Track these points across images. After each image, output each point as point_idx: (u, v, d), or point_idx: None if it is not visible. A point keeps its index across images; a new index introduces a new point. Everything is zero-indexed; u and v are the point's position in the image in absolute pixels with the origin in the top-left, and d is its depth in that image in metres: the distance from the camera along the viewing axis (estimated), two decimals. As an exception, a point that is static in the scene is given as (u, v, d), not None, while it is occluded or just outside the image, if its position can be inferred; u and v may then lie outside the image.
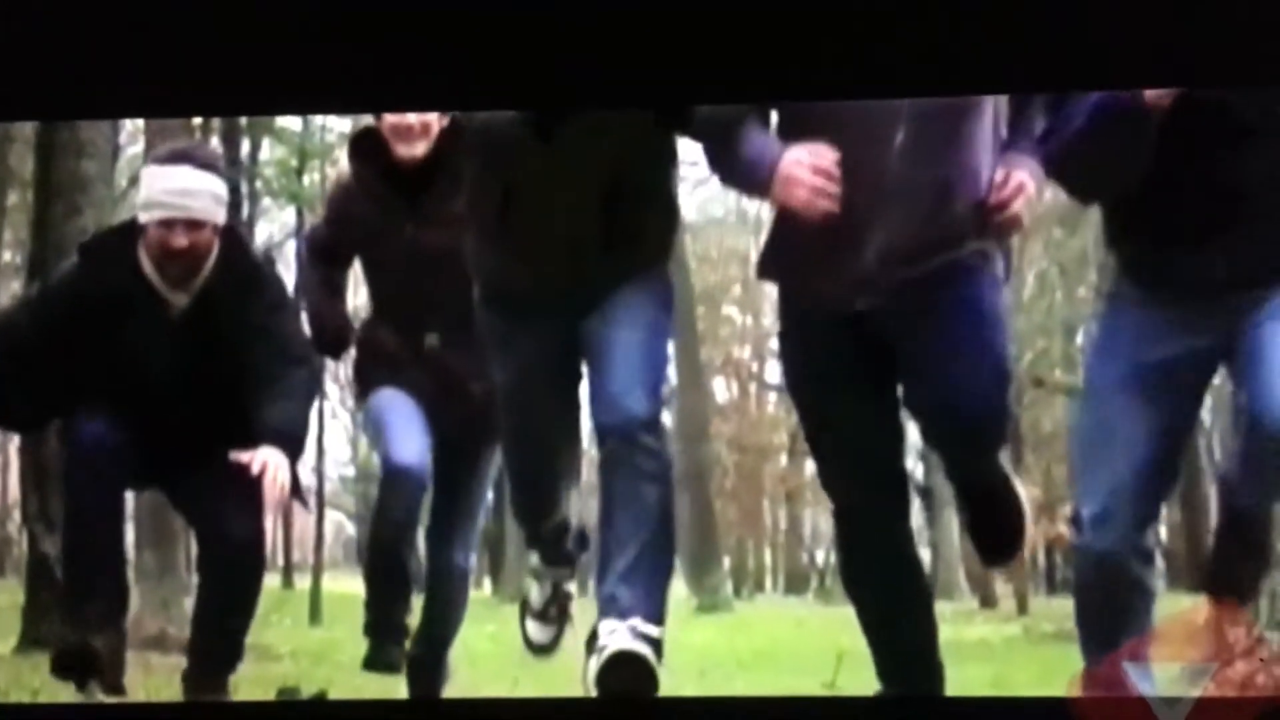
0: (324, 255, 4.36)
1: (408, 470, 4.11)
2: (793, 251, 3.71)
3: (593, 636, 3.75)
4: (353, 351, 4.43)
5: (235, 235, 4.16)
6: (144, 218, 4.00)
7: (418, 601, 4.25)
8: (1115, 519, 3.62)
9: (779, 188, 3.59)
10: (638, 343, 3.84)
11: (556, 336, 3.89)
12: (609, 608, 3.73)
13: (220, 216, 4.02)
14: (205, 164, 4.05)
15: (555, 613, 4.37)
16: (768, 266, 3.88)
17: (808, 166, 3.50)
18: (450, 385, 4.18)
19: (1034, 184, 3.61)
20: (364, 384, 4.37)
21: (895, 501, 3.88)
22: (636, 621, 3.65)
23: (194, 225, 3.97)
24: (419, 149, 4.09)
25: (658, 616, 3.71)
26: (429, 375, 4.21)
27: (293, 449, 4.00)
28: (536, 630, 4.40)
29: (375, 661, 4.17)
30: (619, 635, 3.62)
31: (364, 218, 4.20)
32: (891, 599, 3.84)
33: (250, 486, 3.97)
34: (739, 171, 3.75)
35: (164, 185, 3.99)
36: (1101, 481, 3.66)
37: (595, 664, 3.63)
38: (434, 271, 4.10)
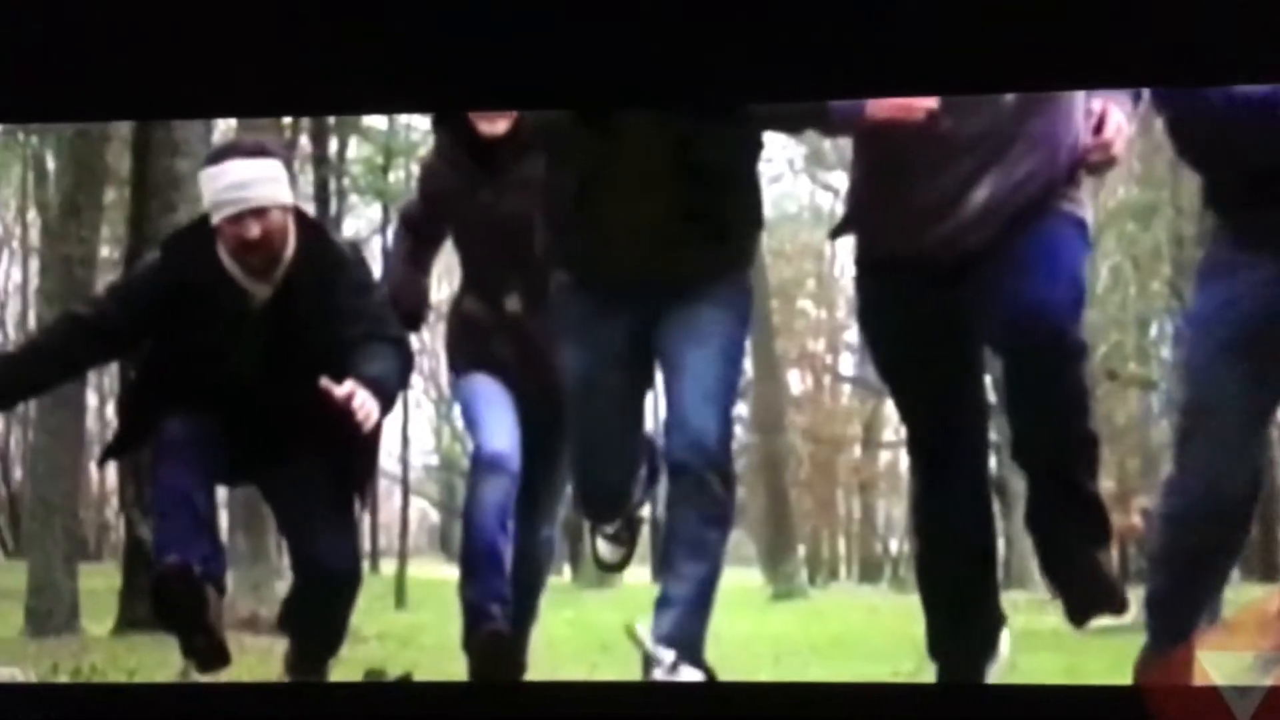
0: (412, 227, 4.46)
1: (499, 459, 4.19)
2: (880, 202, 3.75)
3: (646, 661, 3.87)
4: (443, 330, 4.51)
5: (312, 223, 4.25)
6: (214, 220, 4.06)
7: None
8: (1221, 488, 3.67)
9: (871, 108, 3.64)
10: (715, 375, 3.92)
11: (631, 329, 3.95)
12: (659, 629, 3.84)
13: (283, 195, 4.08)
14: (252, 151, 4.13)
15: (626, 535, 4.45)
16: (848, 222, 3.92)
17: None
18: (531, 353, 4.25)
19: (1129, 126, 3.66)
20: (453, 358, 4.45)
21: (976, 439, 3.92)
22: (683, 670, 3.76)
23: (260, 213, 4.03)
24: (500, 126, 4.17)
25: (701, 659, 3.86)
26: (511, 343, 4.28)
27: (382, 400, 3.96)
28: (607, 550, 4.49)
29: (475, 645, 4.24)
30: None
31: (447, 187, 4.29)
32: (962, 552, 3.89)
33: (341, 491, 4.02)
34: (823, 115, 3.80)
35: (219, 184, 4.05)
36: (1202, 454, 3.68)
37: None
38: (512, 236, 4.17)
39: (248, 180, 4.06)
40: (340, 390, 3.83)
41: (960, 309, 3.76)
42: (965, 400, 3.95)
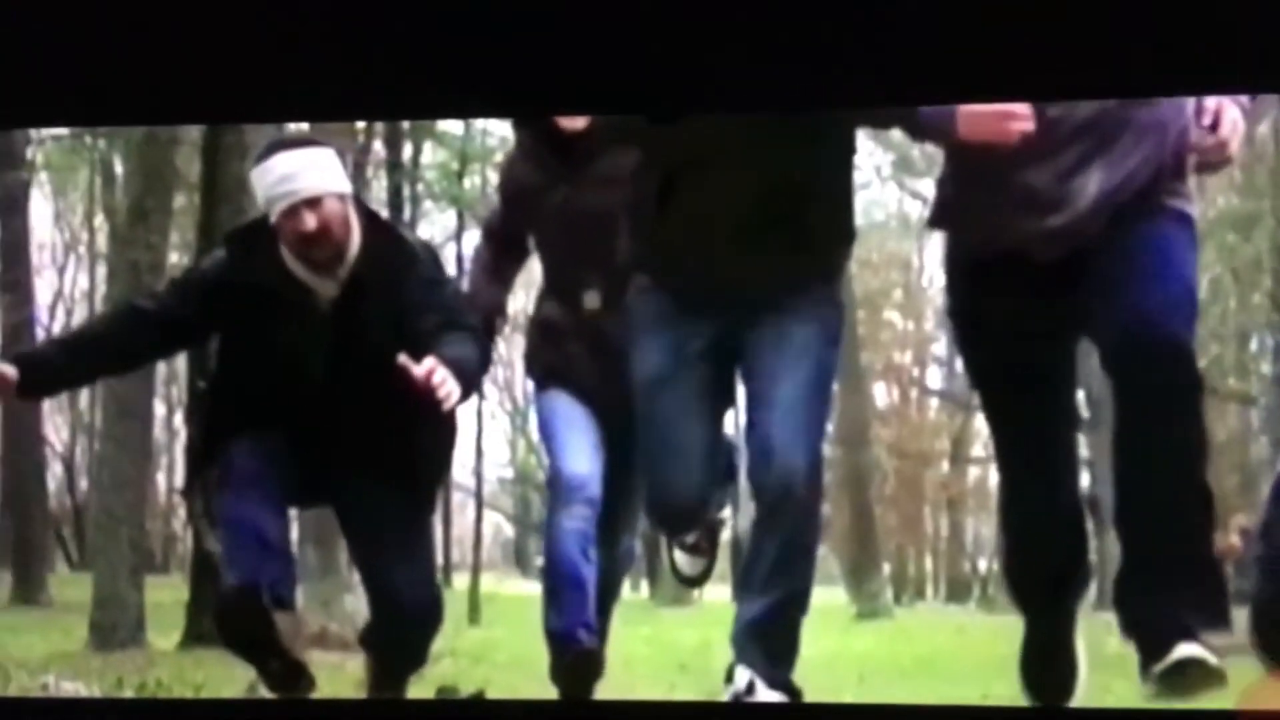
0: (492, 236, 4.41)
1: (579, 485, 4.12)
2: (977, 191, 3.62)
3: (730, 674, 3.77)
4: (520, 342, 4.45)
5: (377, 217, 4.16)
6: (272, 218, 3.99)
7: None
8: None
9: (963, 126, 3.53)
10: (806, 402, 3.81)
11: (711, 335, 3.87)
12: (741, 655, 3.74)
13: (336, 182, 3.99)
14: (298, 143, 4.06)
15: (706, 545, 4.35)
16: (943, 215, 3.79)
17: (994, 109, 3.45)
18: (608, 355, 4.15)
19: (1244, 124, 3.52)
20: (531, 367, 4.38)
21: (1067, 449, 3.78)
22: (761, 692, 3.66)
23: (314, 202, 3.93)
24: (580, 121, 4.10)
25: (786, 681, 3.71)
26: (589, 343, 4.18)
27: (463, 383, 3.83)
28: (686, 562, 4.39)
29: (563, 668, 4.14)
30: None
31: (528, 185, 4.23)
32: (1049, 567, 3.76)
33: (415, 525, 3.95)
34: (916, 122, 3.69)
35: (269, 179, 3.97)
36: None
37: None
38: (592, 232, 4.10)
39: (296, 171, 3.97)
40: (420, 368, 3.71)
41: (1063, 309, 3.62)
42: (1060, 407, 3.82)
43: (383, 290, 3.97)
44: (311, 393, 4.00)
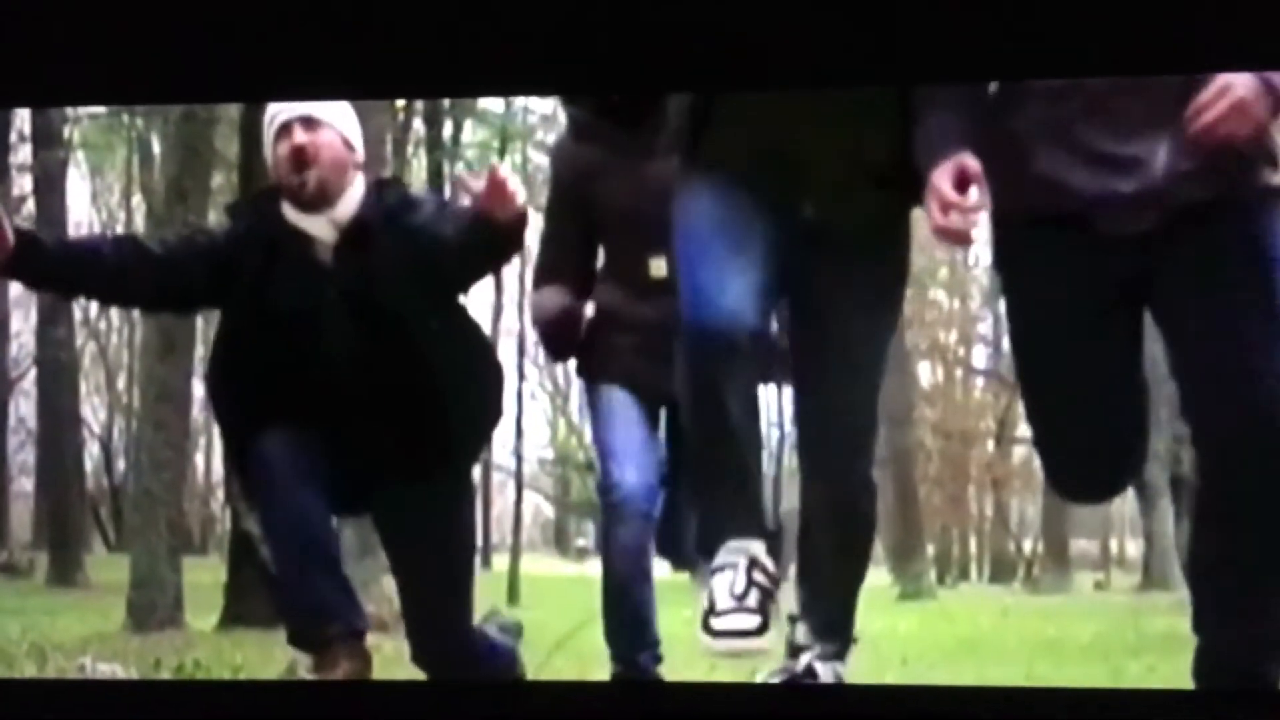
0: (549, 236, 4.24)
1: (632, 498, 3.99)
2: (1042, 170, 3.42)
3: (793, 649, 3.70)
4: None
5: (381, 178, 3.99)
6: (268, 145, 3.83)
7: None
8: None
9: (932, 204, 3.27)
10: (853, 402, 3.67)
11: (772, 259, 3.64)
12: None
13: (342, 118, 3.82)
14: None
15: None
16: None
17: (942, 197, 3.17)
18: (674, 327, 4.00)
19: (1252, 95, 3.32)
20: (586, 360, 4.24)
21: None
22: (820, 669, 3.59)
23: (310, 123, 3.77)
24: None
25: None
26: (653, 312, 4.02)
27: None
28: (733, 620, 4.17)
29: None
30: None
31: (583, 160, 4.10)
32: None
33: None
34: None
35: (273, 110, 3.80)
36: None
37: None
38: (657, 197, 3.98)
39: (303, 105, 3.78)
40: (477, 180, 3.56)
41: (1130, 299, 3.43)
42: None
43: (385, 231, 3.81)
44: (330, 363, 3.83)
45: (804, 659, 3.66)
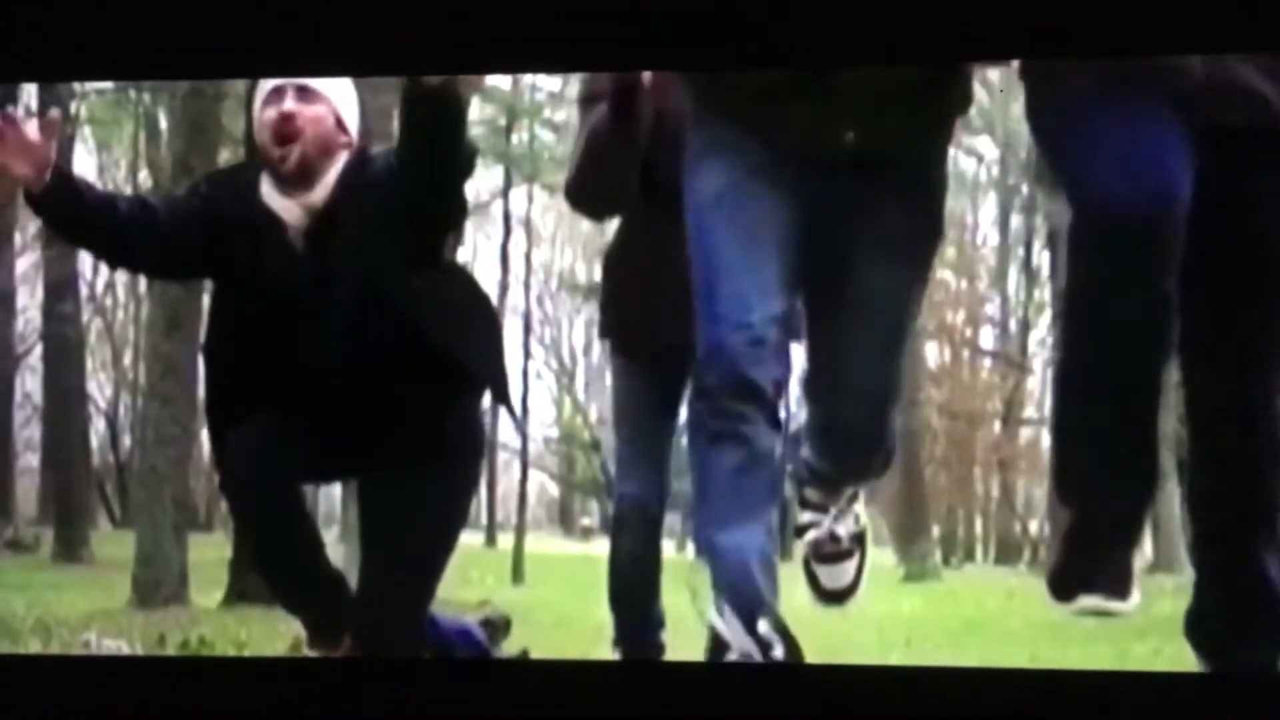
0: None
1: (636, 505, 3.98)
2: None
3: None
4: (566, 300, 4.29)
5: (366, 153, 3.76)
6: (256, 109, 3.72)
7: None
8: None
9: None
10: (885, 386, 3.60)
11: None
12: None
13: (339, 92, 3.71)
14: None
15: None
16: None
17: None
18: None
19: None
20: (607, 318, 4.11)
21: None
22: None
23: (305, 92, 3.66)
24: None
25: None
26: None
27: None
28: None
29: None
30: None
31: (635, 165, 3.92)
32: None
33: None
34: None
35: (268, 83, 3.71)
36: None
37: None
38: None
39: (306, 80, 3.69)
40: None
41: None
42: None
43: (365, 206, 3.66)
44: (308, 348, 3.61)
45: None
